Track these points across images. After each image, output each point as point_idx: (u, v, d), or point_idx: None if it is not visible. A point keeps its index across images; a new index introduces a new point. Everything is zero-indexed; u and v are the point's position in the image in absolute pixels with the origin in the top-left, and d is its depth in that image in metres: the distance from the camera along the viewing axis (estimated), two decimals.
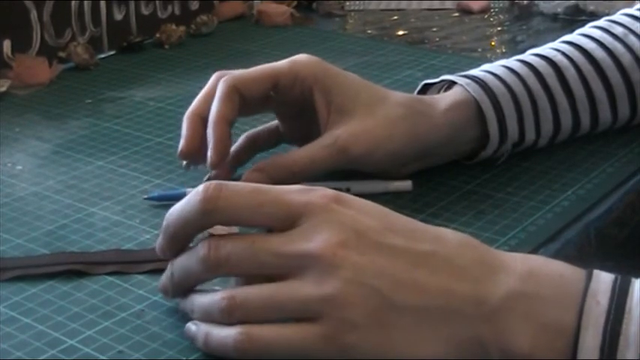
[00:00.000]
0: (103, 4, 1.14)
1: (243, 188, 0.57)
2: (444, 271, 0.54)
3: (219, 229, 0.64)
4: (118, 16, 1.16)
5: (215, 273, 0.58)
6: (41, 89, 1.05)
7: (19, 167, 0.85)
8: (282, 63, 0.78)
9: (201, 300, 0.59)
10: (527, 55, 0.87)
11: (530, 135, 0.82)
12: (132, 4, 1.17)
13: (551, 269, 0.55)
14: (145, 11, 1.19)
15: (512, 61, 0.85)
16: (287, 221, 0.56)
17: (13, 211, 0.77)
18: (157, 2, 1.19)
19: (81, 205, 0.78)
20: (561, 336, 0.52)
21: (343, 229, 0.54)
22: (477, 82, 0.81)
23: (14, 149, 0.89)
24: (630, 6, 0.93)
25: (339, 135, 0.75)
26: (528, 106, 0.82)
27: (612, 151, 0.87)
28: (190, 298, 0.60)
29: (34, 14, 1.07)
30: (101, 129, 0.94)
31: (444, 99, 0.80)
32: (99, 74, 1.09)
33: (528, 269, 0.55)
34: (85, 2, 1.12)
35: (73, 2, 1.11)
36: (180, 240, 0.59)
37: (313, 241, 0.54)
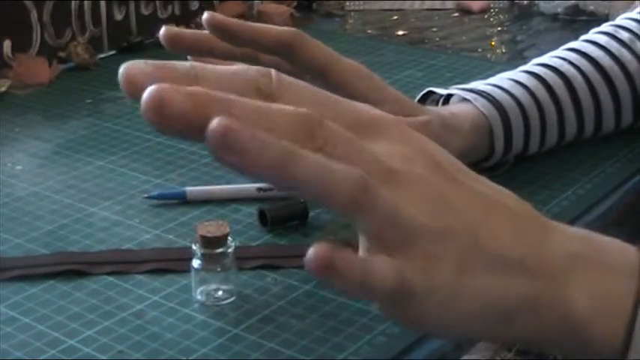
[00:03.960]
0: (103, 4, 1.14)
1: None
2: (510, 223, 0.50)
3: (212, 229, 0.65)
4: (118, 16, 1.16)
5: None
6: (41, 89, 1.05)
7: (19, 167, 0.85)
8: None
9: None
10: (534, 66, 0.86)
11: (533, 147, 0.82)
12: (132, 4, 1.17)
13: (606, 239, 0.52)
14: (145, 11, 1.19)
15: (519, 74, 0.84)
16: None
17: (13, 211, 0.77)
18: (157, 2, 1.19)
19: (81, 205, 0.78)
20: (621, 305, 0.50)
21: (420, 151, 0.48)
22: (486, 97, 0.80)
23: (14, 149, 0.89)
24: (630, 6, 0.93)
25: None
26: (536, 119, 0.81)
27: (612, 151, 0.86)
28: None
29: (34, 14, 1.07)
30: (101, 129, 0.94)
31: (465, 120, 0.78)
32: (99, 74, 1.09)
33: (586, 235, 0.52)
34: (85, 2, 1.12)
35: (73, 2, 1.11)
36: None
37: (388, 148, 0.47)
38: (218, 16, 0.68)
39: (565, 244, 0.50)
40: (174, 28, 0.71)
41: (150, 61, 0.43)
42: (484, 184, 0.51)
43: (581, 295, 0.50)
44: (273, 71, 0.46)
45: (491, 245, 0.48)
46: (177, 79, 0.43)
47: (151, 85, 0.40)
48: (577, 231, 0.52)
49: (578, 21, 1.26)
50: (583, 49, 0.86)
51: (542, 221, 0.52)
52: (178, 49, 0.70)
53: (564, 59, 0.85)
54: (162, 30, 0.70)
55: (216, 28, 0.67)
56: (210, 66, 0.45)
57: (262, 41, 0.68)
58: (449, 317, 0.47)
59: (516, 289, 0.48)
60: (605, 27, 0.90)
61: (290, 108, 0.44)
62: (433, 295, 0.47)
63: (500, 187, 0.52)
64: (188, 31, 0.74)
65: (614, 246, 0.52)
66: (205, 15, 0.68)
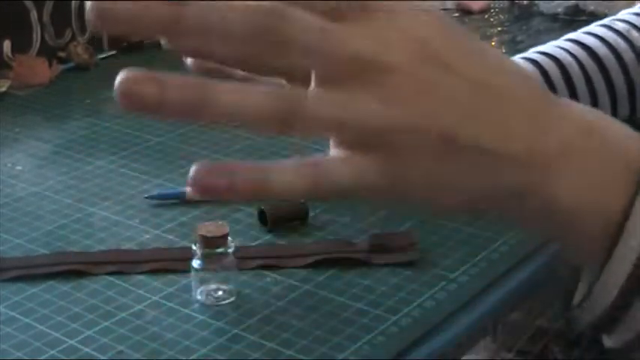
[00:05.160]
0: None
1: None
2: (503, 106, 0.47)
3: (212, 229, 0.65)
4: None
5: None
6: (41, 89, 1.05)
7: (19, 167, 0.85)
8: None
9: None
10: (532, 53, 0.87)
11: None
12: None
13: (614, 126, 0.50)
14: None
15: (516, 59, 0.85)
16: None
17: (13, 211, 0.77)
18: None
19: (81, 205, 0.78)
20: (613, 199, 0.48)
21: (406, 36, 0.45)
22: None
23: (14, 149, 0.89)
24: (630, 6, 0.93)
25: None
26: None
27: None
28: None
29: (34, 14, 1.07)
30: (101, 129, 0.94)
31: None
32: (99, 74, 1.09)
33: (589, 124, 0.49)
34: (85, 2, 1.12)
35: (73, 2, 1.11)
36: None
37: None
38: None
39: (564, 134, 0.48)
40: None
41: None
42: (486, 67, 0.47)
43: (570, 185, 0.47)
44: None
45: (477, 140, 0.46)
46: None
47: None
48: (585, 118, 0.49)
49: (578, 21, 1.26)
50: (579, 39, 0.88)
51: (544, 104, 0.48)
52: None
53: (561, 48, 0.87)
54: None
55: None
56: None
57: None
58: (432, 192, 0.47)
59: (504, 181, 0.47)
60: (604, 20, 0.91)
61: (245, 3, 0.41)
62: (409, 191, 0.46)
63: (511, 67, 0.49)
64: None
65: (618, 135, 0.49)
66: None
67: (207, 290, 0.65)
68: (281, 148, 0.87)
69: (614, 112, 0.87)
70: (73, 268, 0.68)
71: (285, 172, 0.43)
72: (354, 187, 0.45)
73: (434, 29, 0.46)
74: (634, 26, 0.88)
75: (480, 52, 0.48)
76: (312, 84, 0.44)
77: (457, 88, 0.45)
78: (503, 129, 0.47)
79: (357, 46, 0.43)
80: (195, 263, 0.65)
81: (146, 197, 0.79)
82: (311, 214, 0.75)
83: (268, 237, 0.73)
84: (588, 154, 0.48)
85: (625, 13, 0.91)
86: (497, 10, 1.35)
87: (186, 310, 0.64)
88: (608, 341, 0.49)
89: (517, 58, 0.85)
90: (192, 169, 0.41)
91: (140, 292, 0.66)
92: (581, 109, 0.50)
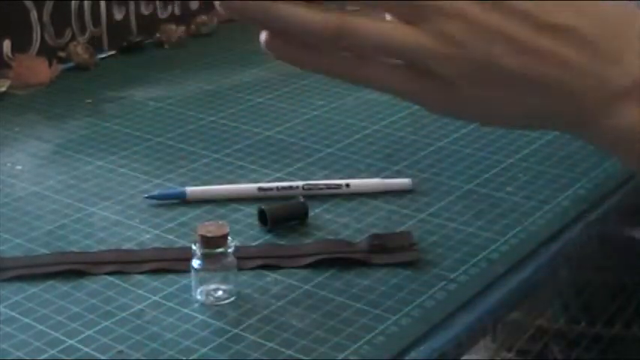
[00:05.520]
0: (103, 4, 1.14)
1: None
2: (573, 44, 0.49)
3: (212, 229, 0.65)
4: (118, 16, 1.16)
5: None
6: (41, 89, 1.05)
7: (19, 167, 0.85)
8: None
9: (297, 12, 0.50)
10: None
11: None
12: (132, 4, 1.17)
13: None
14: (145, 11, 1.19)
15: None
16: None
17: (13, 211, 0.77)
18: (157, 2, 1.19)
19: (81, 205, 0.78)
20: None
21: None
22: None
23: (14, 149, 0.89)
24: None
25: None
26: None
27: None
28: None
29: (34, 14, 1.07)
30: (101, 129, 0.94)
31: None
32: (99, 74, 1.09)
33: None
34: (85, 2, 1.12)
35: (73, 2, 1.11)
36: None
37: None
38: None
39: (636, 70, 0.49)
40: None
41: None
42: (553, 9, 0.50)
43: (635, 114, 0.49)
44: None
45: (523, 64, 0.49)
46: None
47: None
48: None
49: None
50: None
51: (624, 41, 0.50)
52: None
53: None
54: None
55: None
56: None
57: None
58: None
59: (561, 109, 0.50)
60: None
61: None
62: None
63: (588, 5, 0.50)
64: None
65: None
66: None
67: (207, 290, 0.65)
68: (281, 148, 0.87)
69: None
70: (73, 268, 0.68)
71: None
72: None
73: None
74: None
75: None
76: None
77: (513, 30, 0.49)
78: (569, 61, 0.49)
79: None
80: (195, 263, 0.65)
81: (146, 197, 0.79)
82: (311, 214, 0.75)
83: (268, 237, 0.73)
84: None
85: None
86: None
87: (186, 310, 0.64)
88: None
89: None
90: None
91: (140, 292, 0.66)
92: None
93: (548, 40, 0.49)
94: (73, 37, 1.12)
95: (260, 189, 0.78)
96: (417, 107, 0.56)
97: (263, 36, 0.52)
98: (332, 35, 0.50)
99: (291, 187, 0.78)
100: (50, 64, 1.07)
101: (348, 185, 0.78)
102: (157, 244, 0.72)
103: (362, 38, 0.50)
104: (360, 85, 0.53)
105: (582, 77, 0.49)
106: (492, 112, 0.52)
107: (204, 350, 0.60)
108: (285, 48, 0.52)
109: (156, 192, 0.79)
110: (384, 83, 0.52)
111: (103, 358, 0.59)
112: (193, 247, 0.65)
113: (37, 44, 1.08)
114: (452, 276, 0.68)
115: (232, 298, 0.65)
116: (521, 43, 0.49)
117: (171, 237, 0.73)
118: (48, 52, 1.09)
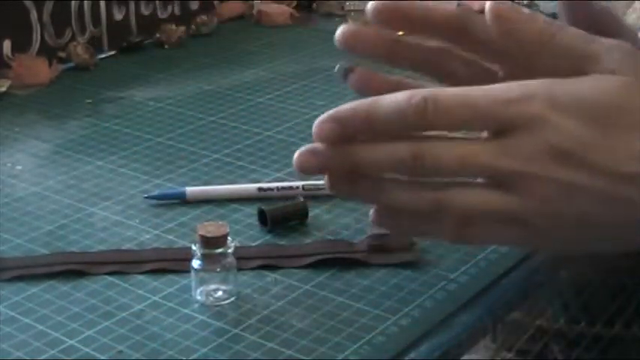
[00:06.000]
0: (103, 4, 1.14)
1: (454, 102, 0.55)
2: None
3: (212, 229, 0.65)
4: (118, 16, 1.16)
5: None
6: (41, 89, 1.05)
7: (19, 167, 0.85)
8: None
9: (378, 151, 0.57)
10: None
11: None
12: (132, 4, 1.17)
13: None
14: (145, 11, 1.19)
15: None
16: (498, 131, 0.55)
17: (13, 211, 0.77)
18: (157, 2, 1.19)
19: (81, 205, 0.78)
20: None
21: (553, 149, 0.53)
22: None
23: (14, 149, 0.89)
24: (630, 6, 0.93)
25: None
26: None
27: None
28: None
29: (34, 14, 1.07)
30: (101, 129, 0.94)
31: None
32: (99, 74, 1.09)
33: None
34: (85, 2, 1.12)
35: (73, 2, 1.11)
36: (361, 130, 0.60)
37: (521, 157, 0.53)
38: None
39: None
40: (354, 27, 0.68)
41: None
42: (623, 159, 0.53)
43: None
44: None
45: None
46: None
47: None
48: None
49: None
50: None
51: None
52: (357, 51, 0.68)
53: None
54: (341, 29, 0.66)
55: (384, 14, 0.66)
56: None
57: (433, 17, 0.63)
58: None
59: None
60: None
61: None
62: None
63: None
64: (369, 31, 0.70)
65: None
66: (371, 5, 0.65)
67: (207, 290, 0.65)
68: (281, 148, 0.87)
69: None
70: (73, 268, 0.68)
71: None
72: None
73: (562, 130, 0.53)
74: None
75: (610, 141, 0.53)
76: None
77: (590, 183, 0.53)
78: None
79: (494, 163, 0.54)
80: (195, 263, 0.65)
81: (146, 197, 0.79)
82: (311, 214, 0.75)
83: (268, 237, 0.73)
84: None
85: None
86: None
87: (186, 311, 0.64)
88: None
89: None
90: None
91: (140, 292, 0.66)
92: None
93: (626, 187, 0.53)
94: (73, 37, 1.12)
95: (260, 189, 0.78)
96: None
97: (372, 213, 0.59)
98: (433, 209, 0.55)
99: (291, 188, 0.78)
100: (50, 64, 1.07)
101: None
102: (156, 245, 0.72)
103: (457, 208, 0.55)
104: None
105: None
106: (572, 248, 0.58)
107: (204, 350, 0.60)
108: (398, 220, 0.59)
109: (156, 192, 0.79)
110: (485, 239, 0.60)
111: (102, 358, 0.59)
112: (193, 248, 0.65)
113: (37, 44, 1.08)
114: (452, 276, 0.68)
115: (232, 299, 0.65)
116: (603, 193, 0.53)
117: (171, 237, 0.73)
118: (48, 52, 1.09)
